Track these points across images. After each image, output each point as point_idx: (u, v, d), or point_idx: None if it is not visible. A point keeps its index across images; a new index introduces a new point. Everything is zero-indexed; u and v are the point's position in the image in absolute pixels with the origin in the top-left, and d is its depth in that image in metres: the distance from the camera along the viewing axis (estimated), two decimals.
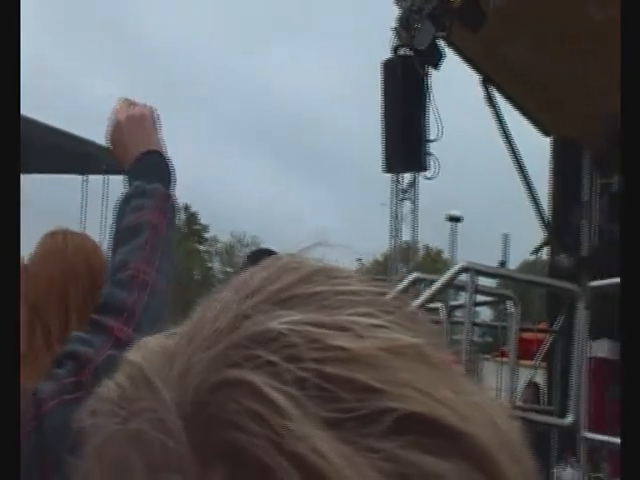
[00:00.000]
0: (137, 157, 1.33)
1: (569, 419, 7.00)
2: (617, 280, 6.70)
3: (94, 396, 0.40)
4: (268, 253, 0.42)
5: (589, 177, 8.62)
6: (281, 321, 0.38)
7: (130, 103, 1.42)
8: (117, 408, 0.39)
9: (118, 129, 1.36)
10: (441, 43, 8.45)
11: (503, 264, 10.30)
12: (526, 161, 9.23)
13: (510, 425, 0.40)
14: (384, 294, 0.43)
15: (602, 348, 7.74)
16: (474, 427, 0.37)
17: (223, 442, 0.35)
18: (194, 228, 50.45)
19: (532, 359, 10.02)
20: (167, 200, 1.26)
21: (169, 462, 0.36)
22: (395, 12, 8.80)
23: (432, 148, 9.11)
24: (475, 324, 8.99)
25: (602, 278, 7.27)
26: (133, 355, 0.41)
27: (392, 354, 0.38)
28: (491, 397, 0.41)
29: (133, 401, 0.39)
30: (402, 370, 0.38)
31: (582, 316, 7.19)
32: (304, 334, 0.37)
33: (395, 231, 9.68)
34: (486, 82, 8.79)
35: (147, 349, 0.41)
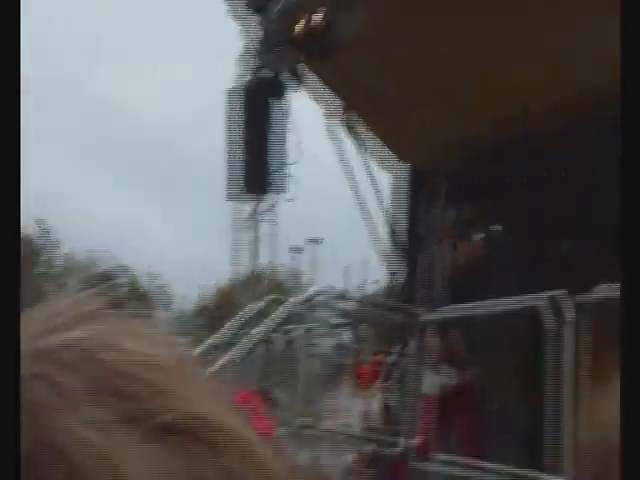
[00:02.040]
0: None
1: (401, 443, 7.34)
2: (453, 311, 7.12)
3: None
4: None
5: (428, 207, 8.95)
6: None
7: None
8: None
9: None
10: (298, 70, 8.57)
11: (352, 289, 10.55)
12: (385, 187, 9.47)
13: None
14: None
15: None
16: None
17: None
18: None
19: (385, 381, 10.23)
20: None
21: None
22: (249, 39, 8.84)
23: (291, 172, 9.17)
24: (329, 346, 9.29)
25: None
26: None
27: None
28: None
29: None
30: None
31: (415, 345, 7.60)
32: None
33: (251, 254, 9.73)
34: (344, 108, 8.97)
35: None
